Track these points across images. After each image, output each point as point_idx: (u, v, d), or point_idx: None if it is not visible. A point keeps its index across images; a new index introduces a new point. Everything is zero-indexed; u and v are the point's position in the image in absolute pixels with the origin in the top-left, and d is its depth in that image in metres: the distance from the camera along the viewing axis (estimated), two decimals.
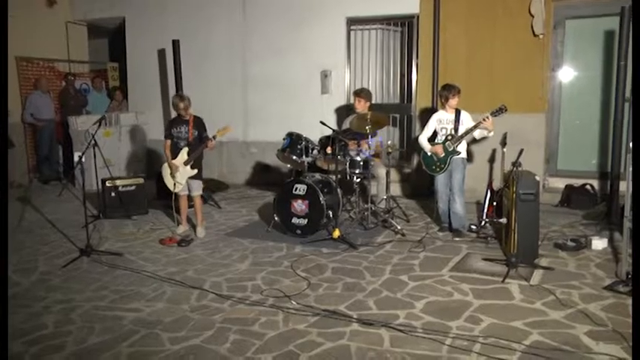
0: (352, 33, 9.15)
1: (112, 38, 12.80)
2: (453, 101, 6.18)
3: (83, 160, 6.03)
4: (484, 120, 5.93)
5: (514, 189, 5.10)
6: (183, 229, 6.73)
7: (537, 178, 5.31)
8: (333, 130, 6.33)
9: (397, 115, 8.97)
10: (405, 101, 8.95)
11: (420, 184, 8.22)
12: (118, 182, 7.67)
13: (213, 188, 9.04)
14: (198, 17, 10.04)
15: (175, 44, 8.77)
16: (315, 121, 6.54)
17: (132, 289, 4.92)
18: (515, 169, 5.05)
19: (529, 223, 5.20)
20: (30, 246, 6.36)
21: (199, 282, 5.05)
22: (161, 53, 10.32)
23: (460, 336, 3.83)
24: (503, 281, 4.81)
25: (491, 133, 6.09)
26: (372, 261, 5.55)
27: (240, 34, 9.79)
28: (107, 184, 7.59)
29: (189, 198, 6.75)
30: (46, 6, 10.83)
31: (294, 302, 4.49)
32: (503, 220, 5.40)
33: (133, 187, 7.74)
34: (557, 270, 5.10)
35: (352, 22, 9.04)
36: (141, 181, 7.84)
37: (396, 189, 8.44)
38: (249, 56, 9.78)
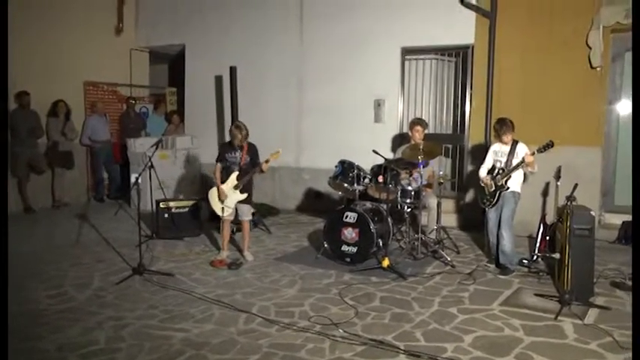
0: (407, 63, 9.20)
1: (172, 64, 13.22)
2: (505, 138, 6.08)
3: (139, 181, 6.20)
4: (525, 158, 5.82)
5: (568, 224, 4.98)
6: (225, 254, 6.71)
7: (593, 213, 5.17)
8: (385, 159, 6.34)
9: (449, 146, 8.92)
10: (458, 131, 8.90)
11: (473, 216, 8.10)
12: (172, 204, 7.85)
13: (264, 213, 9.14)
14: (256, 45, 10.28)
15: (232, 71, 8.98)
16: (368, 150, 6.58)
17: (181, 310, 5.01)
18: (569, 203, 4.94)
19: (584, 260, 5.06)
20: (86, 262, 6.57)
21: (247, 305, 5.09)
22: (218, 79, 10.58)
23: None
24: (556, 318, 4.68)
25: (535, 169, 5.95)
26: (421, 292, 5.49)
27: (296, 62, 9.98)
28: (161, 205, 7.78)
29: (235, 222, 6.82)
30: (113, 34, 11.33)
31: (341, 330, 4.48)
32: (557, 256, 5.29)
33: (186, 209, 7.90)
34: (614, 310, 4.92)
35: (407, 52, 9.09)
36: (194, 203, 8.00)
37: (448, 220, 8.33)
38: (305, 84, 9.94)
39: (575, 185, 4.96)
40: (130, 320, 4.75)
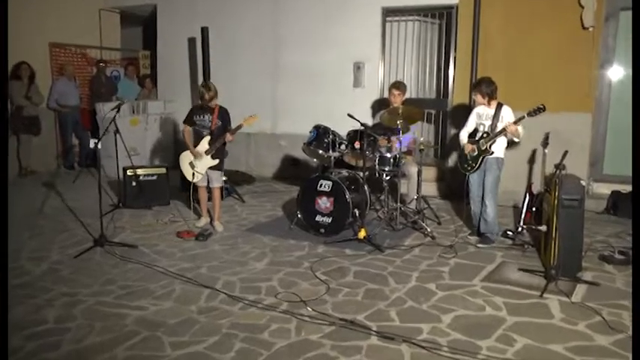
0: (388, 24, 8.73)
1: (146, 26, 12.64)
2: (476, 99, 5.75)
3: (99, 147, 5.76)
4: (508, 125, 5.48)
5: (556, 194, 4.64)
6: (204, 221, 6.54)
7: (583, 182, 4.83)
8: (362, 124, 5.93)
9: (432, 111, 8.54)
10: (442, 96, 8.51)
11: (455, 184, 7.75)
12: (140, 171, 7.42)
13: (238, 181, 8.77)
14: (229, 5, 9.75)
15: (204, 32, 8.46)
16: (345, 116, 6.16)
17: (140, 285, 4.66)
18: (558, 171, 4.59)
19: (572, 232, 4.74)
20: (47, 233, 6.18)
21: (212, 280, 4.75)
22: (191, 41, 10.05)
23: (490, 358, 3.42)
24: (541, 296, 4.37)
25: (520, 136, 5.61)
26: (398, 266, 5.15)
27: (271, 23, 9.48)
28: (128, 172, 7.35)
29: (209, 189, 6.49)
30: None
31: (309, 308, 4.14)
32: (543, 228, 4.96)
33: (155, 177, 7.50)
34: (603, 286, 4.63)
35: (388, 12, 8.62)
36: (163, 170, 7.60)
37: (430, 188, 8.02)
38: (280, 45, 9.46)
39: (565, 152, 4.59)
40: (84, 297, 4.39)
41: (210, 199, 6.56)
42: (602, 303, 4.25)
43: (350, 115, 5.86)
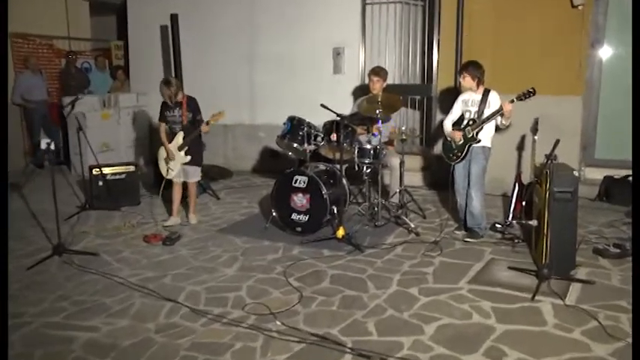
0: (368, 7, 8.29)
1: (119, 15, 12.10)
2: (462, 81, 5.37)
3: (52, 147, 5.30)
4: (503, 106, 5.09)
5: (547, 186, 4.25)
6: (174, 220, 6.16)
7: (576, 173, 4.45)
8: (338, 115, 5.50)
9: (417, 97, 8.13)
10: (426, 81, 8.09)
11: (442, 173, 7.34)
12: (106, 170, 6.95)
13: (215, 176, 8.34)
14: None
15: (174, 19, 7.99)
16: (327, 103, 5.73)
17: (96, 300, 4.24)
18: (549, 162, 4.20)
19: (565, 227, 4.36)
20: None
21: (175, 291, 4.34)
22: (164, 29, 9.55)
23: None
24: (532, 298, 4.00)
25: (508, 122, 5.23)
26: (379, 268, 4.76)
27: (247, 8, 8.99)
28: (94, 171, 6.90)
29: (185, 186, 6.13)
30: None
31: (278, 322, 3.75)
32: (534, 223, 4.58)
33: (124, 176, 7.05)
34: (598, 284, 4.26)
35: None
36: (132, 169, 7.14)
37: (415, 178, 7.65)
38: (257, 32, 8.99)
39: (557, 142, 4.19)
40: (30, 318, 3.95)
41: (185, 196, 6.21)
42: (598, 304, 3.89)
43: (323, 106, 5.44)
